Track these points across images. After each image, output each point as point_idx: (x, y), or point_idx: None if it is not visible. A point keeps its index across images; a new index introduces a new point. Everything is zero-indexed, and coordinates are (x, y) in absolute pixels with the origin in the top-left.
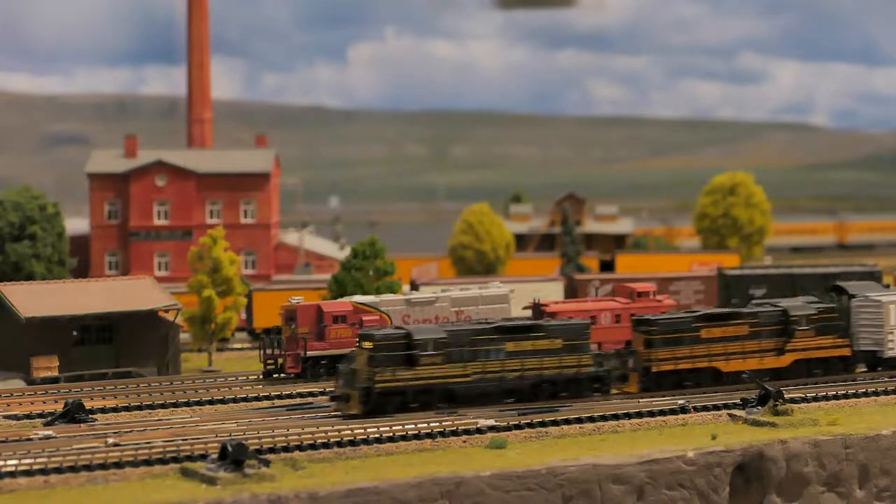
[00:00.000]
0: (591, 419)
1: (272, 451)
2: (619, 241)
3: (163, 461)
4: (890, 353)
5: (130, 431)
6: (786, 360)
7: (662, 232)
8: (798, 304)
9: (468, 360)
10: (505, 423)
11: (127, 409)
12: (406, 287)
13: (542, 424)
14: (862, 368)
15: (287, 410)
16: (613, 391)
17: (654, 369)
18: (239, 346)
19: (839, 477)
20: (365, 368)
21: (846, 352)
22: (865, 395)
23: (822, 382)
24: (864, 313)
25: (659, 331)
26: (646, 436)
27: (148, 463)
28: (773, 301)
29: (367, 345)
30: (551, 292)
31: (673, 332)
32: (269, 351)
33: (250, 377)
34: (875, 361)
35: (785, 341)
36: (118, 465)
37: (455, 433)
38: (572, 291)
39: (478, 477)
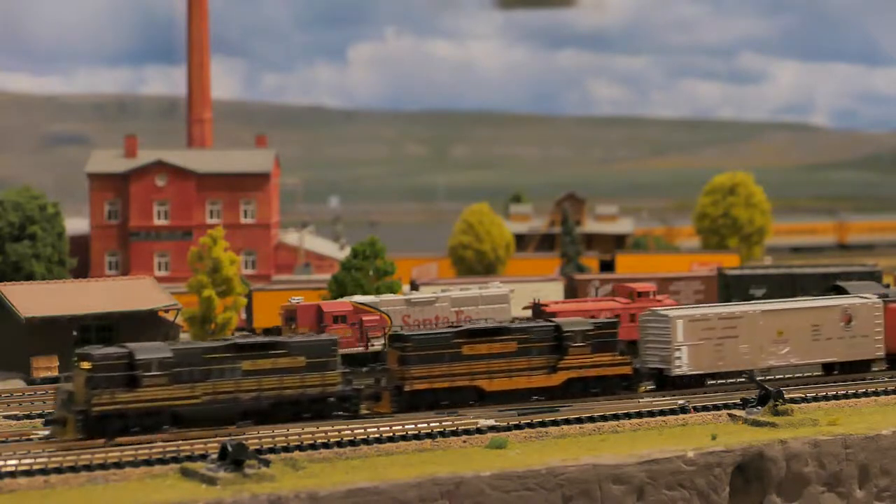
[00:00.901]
0: (591, 419)
1: (272, 451)
2: (619, 241)
3: (163, 461)
4: (677, 371)
5: None
6: (558, 378)
7: (662, 232)
8: (576, 320)
9: (198, 380)
10: (505, 423)
11: None
12: (406, 287)
13: (542, 424)
14: (650, 387)
15: None
16: (364, 411)
17: (407, 388)
18: None
19: (839, 477)
20: (82, 390)
21: (627, 370)
22: (865, 395)
23: (822, 382)
24: (651, 328)
25: (414, 347)
26: (646, 436)
27: (148, 463)
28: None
29: (86, 365)
30: (551, 292)
31: (430, 349)
32: None
33: None
34: (662, 380)
35: (558, 359)
36: (118, 465)
37: (455, 433)
38: (572, 291)
39: (478, 477)
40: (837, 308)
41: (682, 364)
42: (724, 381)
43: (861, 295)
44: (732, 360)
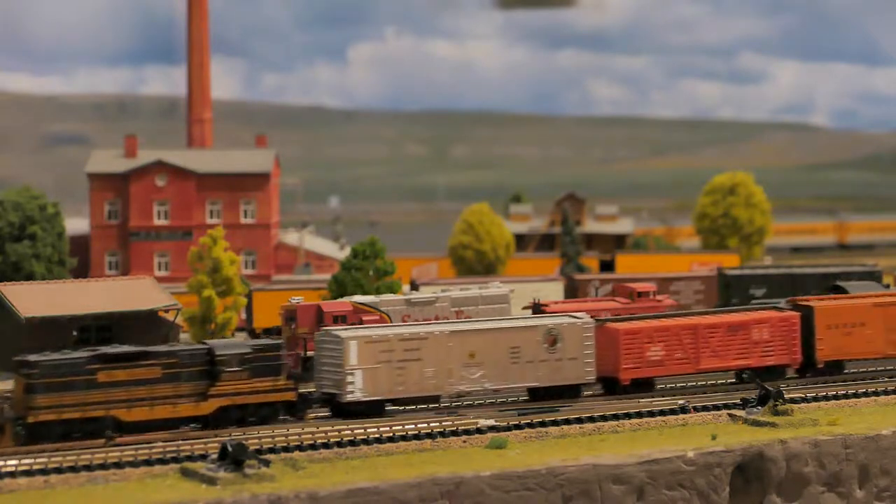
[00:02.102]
0: (591, 419)
1: (272, 451)
2: (619, 241)
3: (163, 461)
4: (350, 397)
5: None
6: (209, 406)
7: (662, 232)
8: (231, 342)
9: None
10: (505, 423)
11: None
12: (406, 287)
13: (542, 424)
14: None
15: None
16: None
17: (30, 419)
18: None
19: (839, 477)
20: None
21: (290, 396)
22: (865, 395)
23: (822, 382)
24: (325, 349)
25: (41, 374)
26: (646, 436)
27: (148, 463)
28: (204, 340)
29: None
30: (551, 292)
31: (60, 376)
32: None
33: None
34: (337, 406)
35: (209, 385)
36: (118, 465)
37: (455, 433)
38: (572, 291)
39: (478, 477)
40: (540, 328)
41: (356, 389)
42: (406, 407)
43: (572, 314)
44: (416, 385)
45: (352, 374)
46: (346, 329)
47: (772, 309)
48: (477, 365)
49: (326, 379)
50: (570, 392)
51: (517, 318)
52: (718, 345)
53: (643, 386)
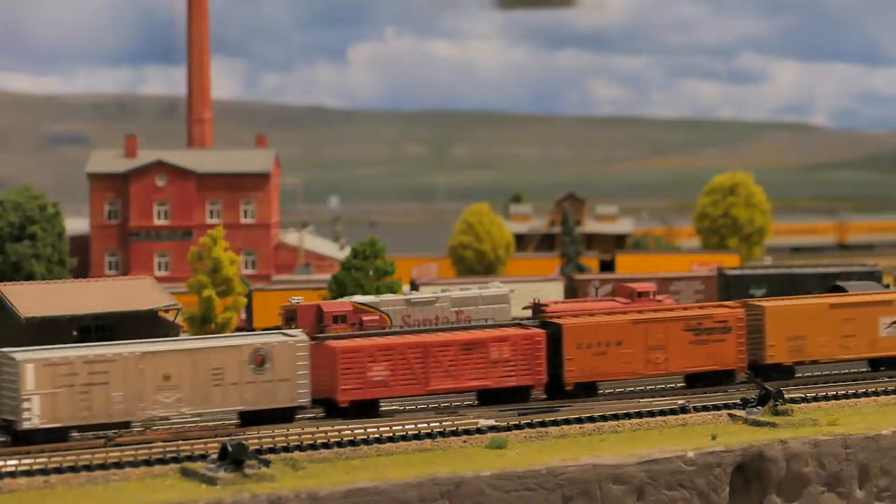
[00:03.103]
0: (591, 419)
1: (272, 451)
2: (619, 241)
3: (163, 461)
4: (27, 425)
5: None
6: None
7: (662, 232)
8: None
9: None
10: (505, 423)
11: None
12: (406, 287)
13: (542, 424)
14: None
15: None
16: None
17: None
18: None
19: (839, 477)
20: None
21: None
22: (865, 395)
23: (822, 382)
24: (2, 373)
25: None
26: (646, 436)
27: (148, 463)
28: None
29: None
30: (551, 292)
31: None
32: None
33: None
34: (16, 434)
35: None
36: (118, 465)
37: (455, 433)
38: (572, 291)
39: (478, 477)
40: (245, 348)
41: (34, 416)
42: (95, 434)
43: (284, 332)
44: (102, 411)
45: (28, 399)
46: (22, 351)
47: (515, 326)
48: (173, 388)
49: (5, 405)
50: (283, 416)
51: (221, 338)
52: (451, 364)
53: (365, 408)
